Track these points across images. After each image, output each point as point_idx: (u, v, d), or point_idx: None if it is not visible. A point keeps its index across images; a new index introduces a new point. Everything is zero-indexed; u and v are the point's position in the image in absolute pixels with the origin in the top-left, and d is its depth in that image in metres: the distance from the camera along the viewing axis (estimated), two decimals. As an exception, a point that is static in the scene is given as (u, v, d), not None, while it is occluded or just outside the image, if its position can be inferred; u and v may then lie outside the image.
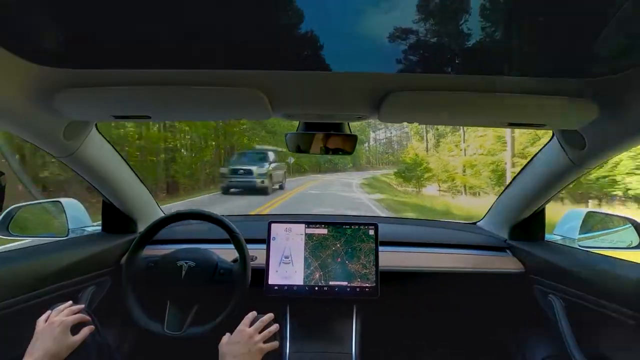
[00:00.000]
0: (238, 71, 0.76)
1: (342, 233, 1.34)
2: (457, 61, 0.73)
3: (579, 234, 1.37)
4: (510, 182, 1.44)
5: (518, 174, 1.38)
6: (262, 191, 11.49)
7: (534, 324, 1.37)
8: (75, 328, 0.95)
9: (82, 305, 1.02)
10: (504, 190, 1.49)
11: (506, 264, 1.41)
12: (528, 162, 1.32)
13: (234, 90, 0.81)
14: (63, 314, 0.95)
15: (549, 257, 1.27)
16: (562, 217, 1.48)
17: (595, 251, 1.24)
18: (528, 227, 1.44)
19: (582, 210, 1.42)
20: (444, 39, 0.68)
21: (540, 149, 1.24)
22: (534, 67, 0.75)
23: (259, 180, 11.37)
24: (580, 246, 1.34)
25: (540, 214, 1.41)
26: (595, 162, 1.07)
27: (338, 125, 1.13)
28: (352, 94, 0.87)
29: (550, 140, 1.18)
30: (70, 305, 0.99)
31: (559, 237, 1.45)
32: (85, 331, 0.96)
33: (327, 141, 1.14)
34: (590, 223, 1.42)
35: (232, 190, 11.88)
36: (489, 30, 0.65)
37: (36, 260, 1.13)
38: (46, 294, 1.12)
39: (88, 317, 1.00)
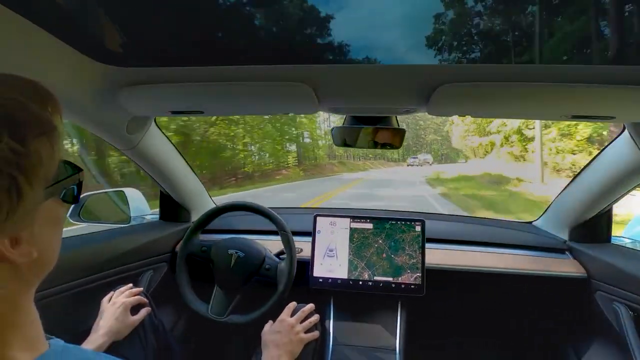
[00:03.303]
0: (286, 66, 0.77)
1: (382, 228, 1.32)
2: (513, 50, 0.68)
3: (653, 237, 1.25)
4: (573, 180, 1.33)
5: (582, 170, 1.27)
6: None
7: (596, 333, 1.27)
8: (134, 309, 1.03)
9: (141, 288, 1.10)
10: (564, 188, 1.38)
11: (565, 266, 1.31)
12: (593, 158, 1.21)
13: (282, 84, 0.83)
14: (124, 295, 1.03)
15: (615, 261, 1.16)
16: (633, 219, 1.35)
17: None
18: (592, 228, 1.33)
19: (657, 211, 1.28)
20: (499, 26, 0.64)
21: (608, 144, 1.14)
22: (601, 54, 0.67)
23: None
24: None
25: (605, 214, 1.30)
26: None
27: (385, 119, 1.11)
28: (400, 87, 0.85)
29: (620, 134, 1.07)
30: (131, 288, 1.08)
31: (628, 240, 1.33)
32: (143, 312, 1.04)
33: (374, 135, 1.12)
34: (666, 226, 1.29)
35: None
36: (549, 14, 0.60)
37: (103, 244, 1.23)
38: (110, 276, 1.21)
39: (146, 300, 1.08)
